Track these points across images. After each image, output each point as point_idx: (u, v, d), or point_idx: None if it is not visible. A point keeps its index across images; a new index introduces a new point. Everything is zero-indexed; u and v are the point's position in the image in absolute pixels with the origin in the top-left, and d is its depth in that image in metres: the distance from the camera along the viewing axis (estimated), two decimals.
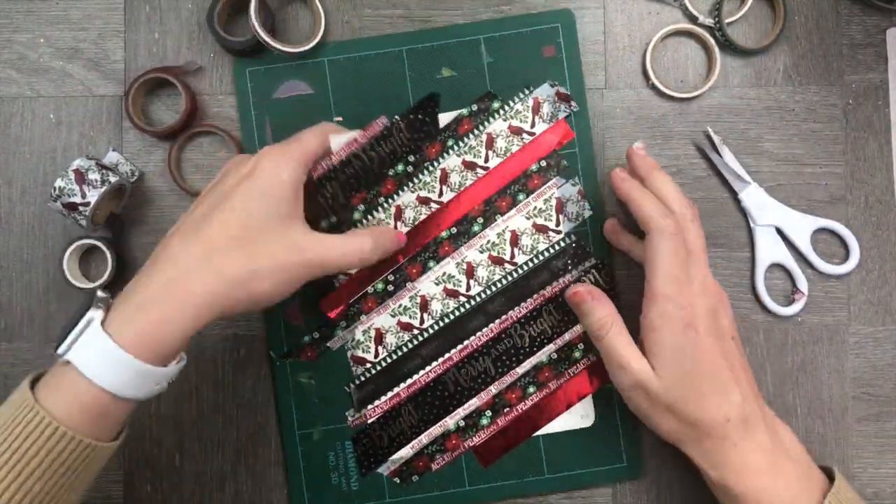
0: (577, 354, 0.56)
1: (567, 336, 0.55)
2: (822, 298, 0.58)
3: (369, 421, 0.55)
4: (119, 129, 0.58)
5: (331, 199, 0.54)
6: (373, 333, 0.55)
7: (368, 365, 0.55)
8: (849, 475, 0.57)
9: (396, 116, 0.54)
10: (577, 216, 0.56)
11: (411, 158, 0.55)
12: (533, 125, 0.55)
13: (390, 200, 0.55)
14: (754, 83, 0.58)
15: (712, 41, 0.58)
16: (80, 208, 0.52)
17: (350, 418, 0.56)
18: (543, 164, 0.56)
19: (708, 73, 0.58)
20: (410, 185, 0.55)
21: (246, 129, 0.57)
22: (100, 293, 0.42)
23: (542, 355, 0.55)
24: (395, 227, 0.55)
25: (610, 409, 0.56)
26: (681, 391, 0.47)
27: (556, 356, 0.56)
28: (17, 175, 0.58)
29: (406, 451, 0.55)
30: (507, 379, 0.55)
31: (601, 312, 0.50)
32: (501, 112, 0.55)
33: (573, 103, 0.55)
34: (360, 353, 0.55)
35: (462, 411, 0.55)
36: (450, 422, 0.55)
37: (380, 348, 0.55)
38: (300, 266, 0.44)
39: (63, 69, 0.58)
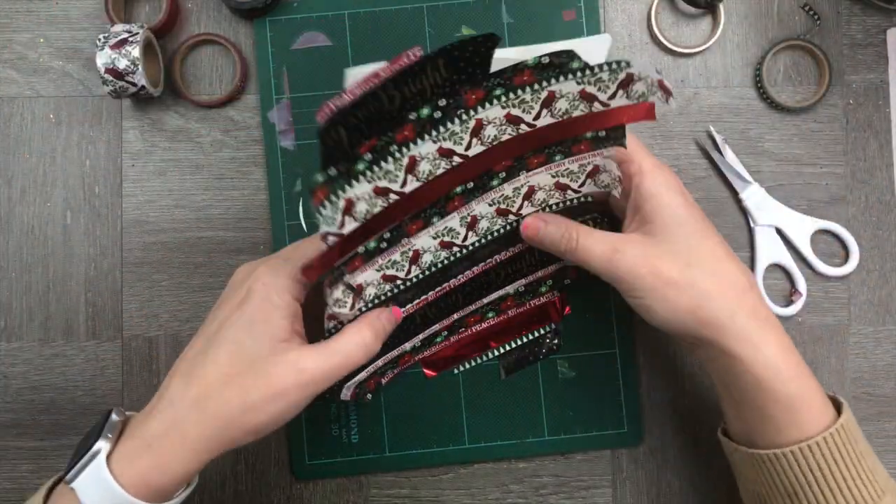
0: (542, 289, 0.56)
1: (539, 273, 0.55)
2: (823, 299, 0.58)
3: None
4: (119, 128, 0.58)
5: (333, 147, 0.41)
6: (353, 290, 0.48)
7: (343, 318, 0.48)
8: None
9: (435, 50, 0.40)
10: (605, 186, 0.49)
11: (442, 103, 0.42)
12: (612, 97, 0.44)
13: (404, 149, 0.42)
14: (754, 83, 0.58)
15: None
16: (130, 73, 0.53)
17: None
18: (602, 133, 0.46)
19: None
20: (434, 133, 0.43)
21: (263, 78, 0.57)
22: (114, 416, 0.43)
23: (510, 288, 0.55)
24: (405, 181, 0.43)
25: (613, 373, 0.57)
26: (696, 251, 0.44)
27: (523, 289, 0.55)
28: (17, 175, 0.58)
29: (361, 375, 0.52)
30: (472, 307, 0.55)
31: (559, 230, 0.47)
32: (579, 74, 0.43)
33: (672, 100, 0.43)
34: (336, 309, 0.46)
35: (422, 336, 0.54)
36: (407, 345, 0.54)
37: (357, 300, 0.48)
38: (298, 388, 0.42)
39: (63, 69, 0.58)
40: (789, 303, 0.58)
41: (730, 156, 0.57)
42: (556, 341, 0.57)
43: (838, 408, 0.46)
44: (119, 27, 0.54)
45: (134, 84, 0.53)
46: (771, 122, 0.58)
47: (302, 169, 0.57)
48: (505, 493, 0.57)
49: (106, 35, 0.53)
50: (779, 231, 0.57)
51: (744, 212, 0.58)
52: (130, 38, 0.53)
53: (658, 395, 0.58)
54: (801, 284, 0.57)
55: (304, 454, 0.56)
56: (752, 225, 0.58)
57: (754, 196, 0.57)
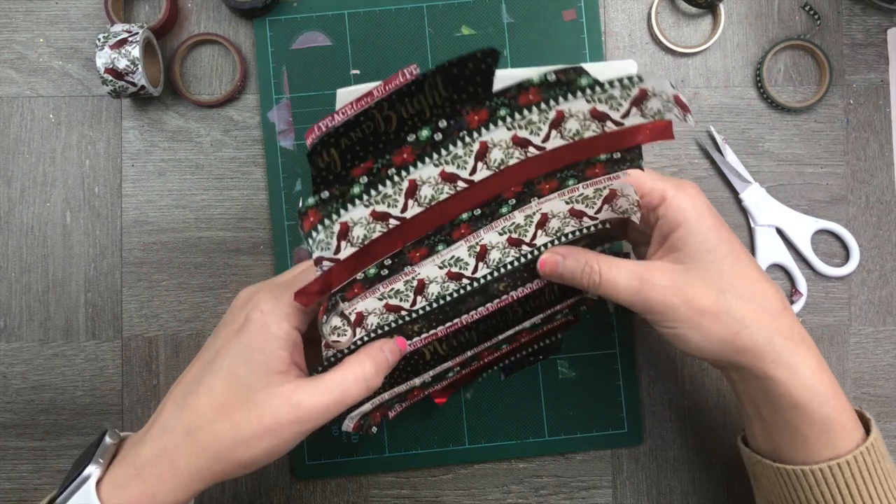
0: (558, 317, 0.54)
1: (558, 306, 0.52)
2: (823, 299, 0.58)
3: None
4: (119, 128, 0.58)
5: (324, 170, 0.39)
6: (353, 318, 0.45)
7: (342, 347, 0.46)
8: None
9: (433, 69, 0.38)
10: (623, 211, 0.47)
11: (442, 124, 0.39)
12: (626, 115, 0.41)
13: (403, 173, 0.40)
14: (754, 83, 0.58)
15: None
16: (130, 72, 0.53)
17: None
18: (617, 155, 0.43)
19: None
20: (435, 156, 0.40)
21: (263, 78, 0.57)
22: (107, 439, 0.42)
23: (527, 323, 0.52)
24: (406, 206, 0.41)
25: (613, 373, 0.57)
26: (728, 276, 0.43)
27: (539, 321, 0.52)
28: (17, 175, 0.58)
29: (366, 407, 0.49)
30: (487, 343, 0.52)
31: (579, 264, 0.45)
32: (588, 91, 0.39)
33: (690, 116, 0.40)
34: (334, 338, 0.44)
35: (432, 372, 0.51)
36: (417, 381, 0.51)
37: (358, 329, 0.45)
38: (293, 424, 0.40)
39: (62, 69, 0.58)
40: (790, 303, 0.58)
41: (730, 156, 0.57)
42: (556, 341, 0.57)
43: (865, 423, 0.45)
44: (119, 27, 0.54)
45: (134, 84, 0.53)
46: (771, 122, 0.58)
47: (301, 169, 0.57)
48: (505, 494, 0.57)
49: (106, 35, 0.53)
50: (779, 231, 0.57)
51: (744, 212, 0.58)
52: (130, 38, 0.53)
53: (658, 395, 0.58)
54: (802, 284, 0.57)
55: (303, 454, 0.56)
56: (752, 225, 0.58)
57: (754, 196, 0.57)
